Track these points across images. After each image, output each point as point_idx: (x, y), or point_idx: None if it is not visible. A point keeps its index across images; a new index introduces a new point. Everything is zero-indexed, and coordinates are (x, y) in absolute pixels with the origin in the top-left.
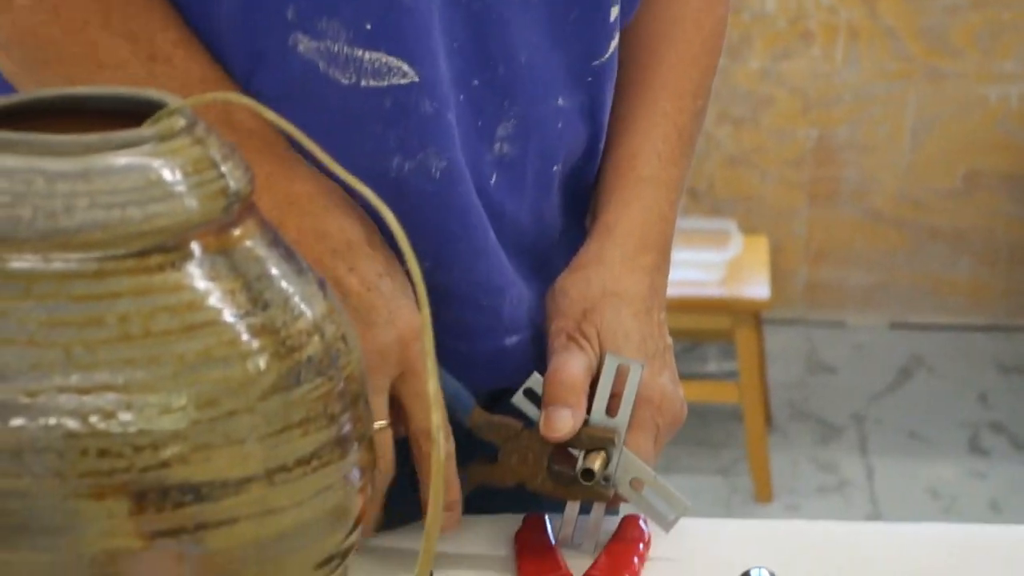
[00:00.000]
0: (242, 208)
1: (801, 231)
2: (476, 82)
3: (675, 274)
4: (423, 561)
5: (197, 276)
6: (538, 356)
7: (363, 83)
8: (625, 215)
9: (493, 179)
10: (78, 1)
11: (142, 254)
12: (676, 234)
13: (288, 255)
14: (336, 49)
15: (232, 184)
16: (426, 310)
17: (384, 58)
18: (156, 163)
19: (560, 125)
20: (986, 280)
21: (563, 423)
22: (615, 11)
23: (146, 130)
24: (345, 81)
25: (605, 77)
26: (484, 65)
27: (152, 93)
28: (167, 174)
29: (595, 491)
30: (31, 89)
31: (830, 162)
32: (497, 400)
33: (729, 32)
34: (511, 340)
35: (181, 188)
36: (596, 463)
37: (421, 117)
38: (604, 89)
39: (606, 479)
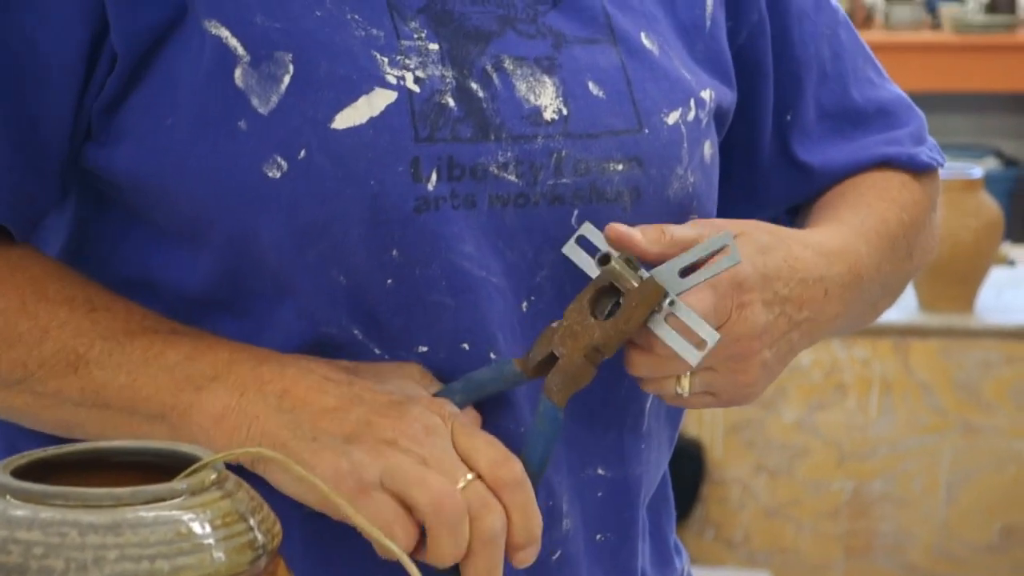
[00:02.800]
0: (269, 560)
1: None
2: None
3: None
4: None
5: None
6: None
7: None
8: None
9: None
10: (10, 286)
11: None
12: None
13: None
14: None
15: (260, 537)
16: None
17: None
18: (186, 516)
19: (600, 494)
20: None
21: (628, 230)
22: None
23: (177, 484)
24: None
25: (642, 441)
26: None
27: (183, 447)
28: (196, 527)
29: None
30: None
31: (865, 515)
32: None
33: None
34: None
35: (210, 541)
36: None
37: None
38: (640, 453)
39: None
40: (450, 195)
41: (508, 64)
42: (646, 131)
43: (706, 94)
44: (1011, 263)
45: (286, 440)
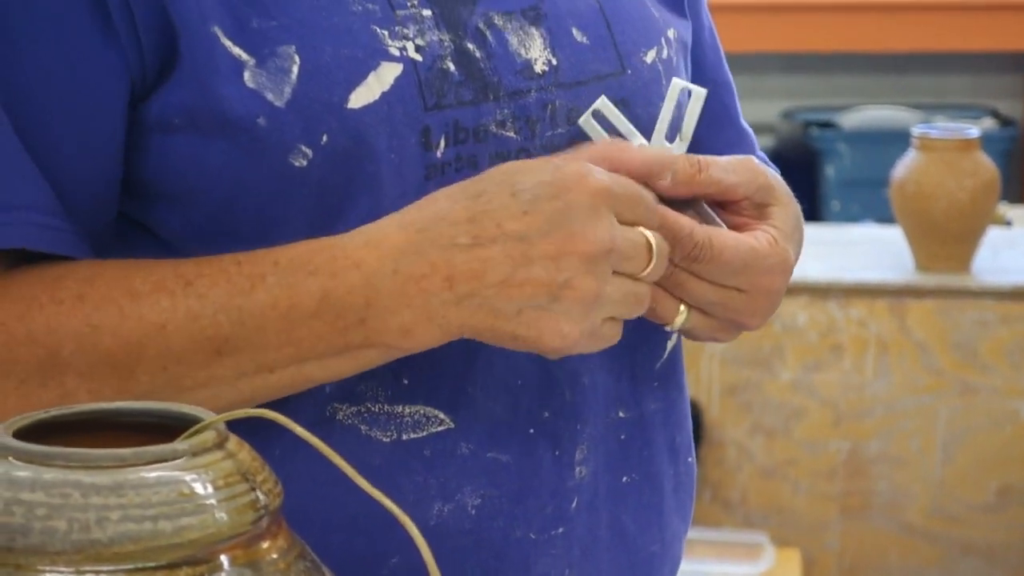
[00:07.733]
0: (271, 520)
1: (834, 544)
2: (547, 414)
3: None
4: None
5: None
6: None
7: (403, 437)
8: None
9: (575, 503)
10: (99, 299)
11: (171, 567)
12: (706, 547)
13: (315, 567)
14: (376, 409)
15: (262, 497)
16: None
17: (423, 410)
18: (188, 477)
19: (623, 437)
20: None
21: (659, 161)
22: None
23: (179, 445)
24: (386, 439)
25: (669, 379)
26: (551, 394)
27: (186, 408)
28: (198, 488)
29: None
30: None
31: (862, 475)
32: None
33: (760, 343)
34: None
35: (212, 501)
36: None
37: (458, 459)
38: (672, 390)
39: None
40: (455, 159)
41: (498, 20)
42: (629, 72)
43: (671, 33)
44: (1008, 223)
45: (491, 323)
